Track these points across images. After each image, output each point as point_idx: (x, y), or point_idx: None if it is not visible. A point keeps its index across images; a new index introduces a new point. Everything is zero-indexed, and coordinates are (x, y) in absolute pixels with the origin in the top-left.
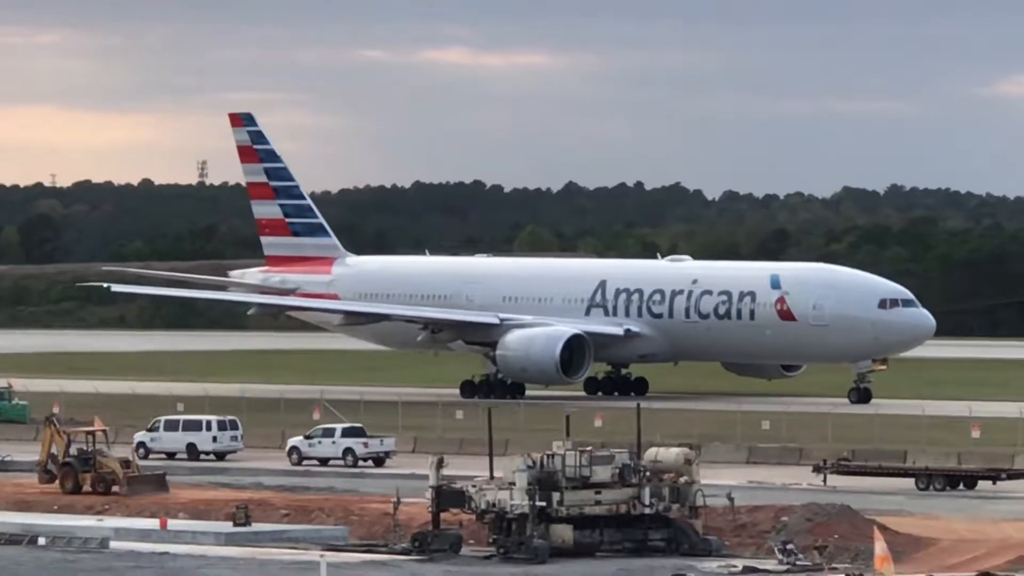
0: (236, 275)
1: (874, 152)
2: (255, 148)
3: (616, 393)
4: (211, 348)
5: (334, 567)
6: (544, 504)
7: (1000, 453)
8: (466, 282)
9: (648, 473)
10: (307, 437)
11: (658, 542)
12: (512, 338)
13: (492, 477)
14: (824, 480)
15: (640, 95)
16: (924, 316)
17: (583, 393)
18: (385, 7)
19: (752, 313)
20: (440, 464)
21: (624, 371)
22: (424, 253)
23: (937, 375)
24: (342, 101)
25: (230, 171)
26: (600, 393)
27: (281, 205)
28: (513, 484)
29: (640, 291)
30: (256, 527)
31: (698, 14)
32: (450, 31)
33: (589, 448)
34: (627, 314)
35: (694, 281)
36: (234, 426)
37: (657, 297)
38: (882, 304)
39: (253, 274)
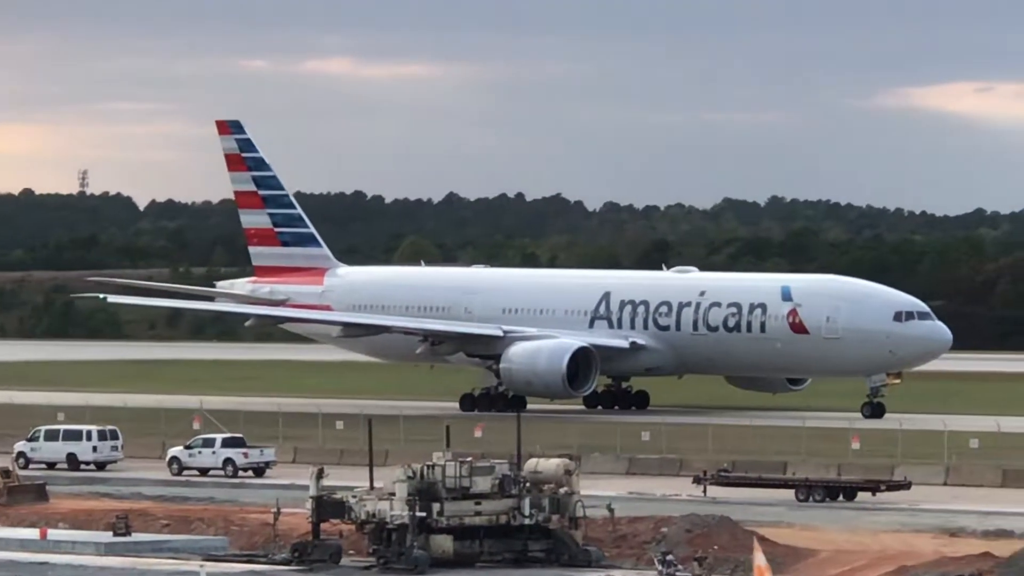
0: (223, 286)
1: (755, 164)
2: (243, 156)
3: (616, 407)
4: (92, 358)
5: None
6: (424, 515)
7: (879, 464)
8: (464, 293)
9: (528, 484)
10: (187, 447)
11: (538, 553)
12: (516, 351)
13: (372, 488)
14: (704, 491)
15: (521, 106)
16: (941, 329)
17: (583, 407)
18: (266, 18)
19: (763, 326)
20: (320, 474)
21: (625, 384)
22: (419, 263)
23: (821, 387)
24: (222, 111)
25: (111, 181)
26: (600, 407)
27: (270, 214)
28: (393, 495)
29: (646, 303)
30: (136, 537)
31: (579, 25)
32: (332, 42)
33: (469, 459)
34: (632, 326)
35: (702, 293)
36: (114, 436)
37: (664, 309)
38: (897, 317)
39: (242, 284)
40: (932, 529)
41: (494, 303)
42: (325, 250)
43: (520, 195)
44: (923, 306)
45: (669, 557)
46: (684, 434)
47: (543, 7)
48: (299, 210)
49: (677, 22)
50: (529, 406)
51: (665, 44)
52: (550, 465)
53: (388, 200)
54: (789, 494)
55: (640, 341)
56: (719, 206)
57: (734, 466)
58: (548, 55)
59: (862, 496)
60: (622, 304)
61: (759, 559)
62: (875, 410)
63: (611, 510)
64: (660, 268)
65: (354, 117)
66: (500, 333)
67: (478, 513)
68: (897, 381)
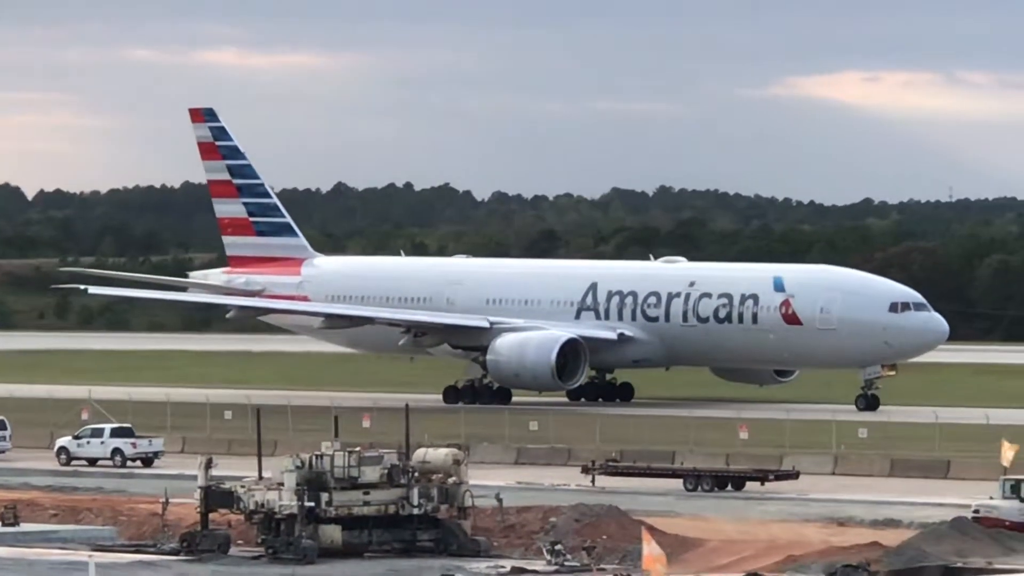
0: (197, 276)
1: (643, 153)
2: (217, 145)
3: (600, 399)
4: None
5: (103, 567)
6: (313, 504)
7: (767, 454)
8: (447, 283)
9: (417, 474)
10: (76, 437)
11: (427, 543)
12: (504, 343)
13: (261, 478)
14: (592, 481)
15: (409, 96)
16: (937, 320)
17: (566, 400)
18: (154, 7)
19: (755, 317)
20: (209, 464)
21: (609, 376)
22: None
23: (707, 377)
24: (111, 101)
25: None
26: (583, 400)
27: (245, 204)
28: (282, 485)
29: (634, 293)
30: (24, 527)
31: (467, 14)
32: (220, 31)
33: (358, 449)
34: (620, 317)
35: (692, 283)
36: (2, 426)
37: (652, 300)
38: (893, 307)
39: (216, 275)
40: (820, 519)
41: (477, 294)
42: (302, 240)
43: (409, 185)
44: (919, 297)
45: (558, 547)
46: (573, 424)
47: None
48: (275, 199)
49: (567, 10)
50: (514, 398)
51: (555, 33)
52: (439, 455)
53: (276, 190)
54: (678, 484)
55: (628, 332)
56: (607, 196)
57: (622, 455)
58: (437, 44)
59: (751, 486)
60: (609, 295)
61: (648, 548)
62: (869, 402)
63: (500, 500)
64: (648, 258)
65: (241, 107)
66: (487, 324)
67: (367, 503)
68: (892, 373)
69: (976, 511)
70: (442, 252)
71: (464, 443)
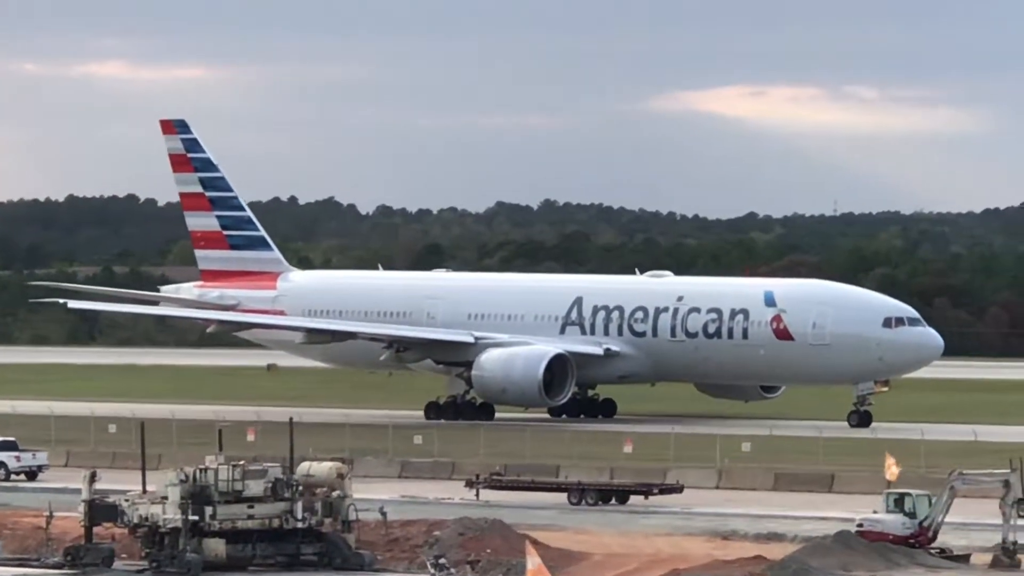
0: (169, 290)
1: (528, 167)
2: (189, 157)
3: (582, 416)
4: None
5: None
6: (197, 518)
7: (652, 468)
8: (427, 298)
9: (301, 487)
10: None
11: (311, 556)
12: (489, 358)
13: (145, 491)
14: (477, 494)
15: (295, 108)
16: (931, 336)
17: (547, 416)
18: (40, 19)
19: (745, 332)
20: (93, 478)
21: (591, 392)
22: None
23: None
24: None
25: None
26: (564, 416)
27: (218, 217)
28: (166, 498)
29: (620, 308)
30: None
31: (353, 28)
32: (107, 44)
33: (242, 462)
34: (606, 332)
35: (680, 298)
36: None
37: (639, 315)
38: (887, 323)
39: (188, 289)
40: (704, 532)
41: (459, 308)
42: (277, 253)
43: (293, 198)
44: (913, 312)
45: (442, 560)
46: (457, 437)
47: (317, 9)
48: (248, 212)
49: (451, 24)
50: (497, 415)
51: (441, 46)
52: (323, 468)
53: (161, 203)
54: (562, 497)
55: (615, 348)
56: (492, 210)
57: (506, 469)
58: (323, 58)
59: (635, 499)
60: (595, 309)
61: (532, 562)
62: (862, 419)
63: (384, 514)
64: (634, 272)
65: (128, 119)
66: (471, 339)
67: (251, 517)
68: (885, 389)
69: (860, 525)
70: (326, 266)
71: (348, 456)
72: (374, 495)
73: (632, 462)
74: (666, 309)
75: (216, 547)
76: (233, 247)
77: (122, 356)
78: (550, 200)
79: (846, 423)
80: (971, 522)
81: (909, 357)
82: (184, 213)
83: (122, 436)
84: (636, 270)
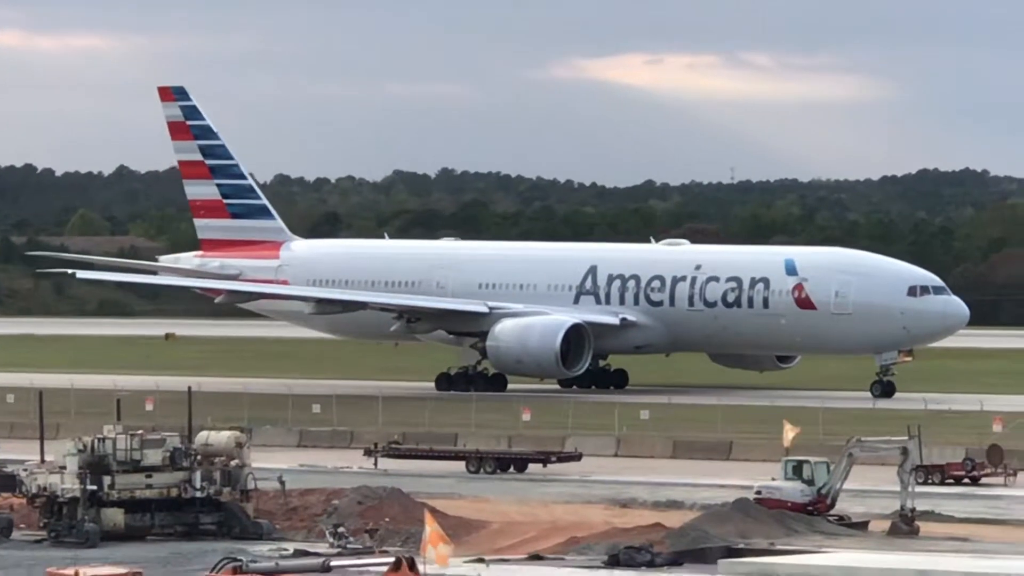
0: (167, 260)
1: (425, 136)
2: (188, 124)
3: (593, 387)
4: None
5: None
6: (95, 488)
7: (550, 436)
8: (436, 267)
9: (199, 457)
10: None
11: (209, 525)
12: (505, 328)
13: (43, 461)
14: (375, 463)
15: (195, 78)
16: (957, 304)
17: (557, 387)
18: None
19: (766, 301)
20: None
21: (603, 363)
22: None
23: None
24: None
25: None
26: (575, 387)
27: (219, 185)
28: (64, 468)
29: (636, 277)
30: None
31: None
32: (2, 13)
33: (140, 432)
34: (622, 302)
35: (698, 267)
36: None
37: (656, 284)
38: (911, 291)
39: (188, 259)
40: (603, 500)
41: (470, 278)
42: (279, 222)
43: None
44: (938, 280)
45: (340, 529)
46: (355, 406)
47: None
48: (250, 180)
49: None
50: (510, 386)
51: (339, 14)
52: (221, 438)
53: (59, 173)
54: (460, 466)
55: (631, 317)
56: (389, 178)
57: (405, 438)
58: (220, 27)
59: (533, 467)
60: (610, 278)
61: (430, 530)
62: (885, 389)
63: (282, 483)
64: (648, 240)
65: (24, 89)
66: (485, 309)
67: (149, 486)
68: (909, 359)
69: (758, 492)
70: None
71: (247, 426)
72: (273, 464)
73: (531, 430)
74: (684, 278)
75: (114, 517)
76: (234, 216)
77: (20, 326)
78: (448, 169)
79: (858, 393)
80: (869, 489)
81: (934, 326)
82: (183, 181)
83: (20, 406)
84: (651, 238)
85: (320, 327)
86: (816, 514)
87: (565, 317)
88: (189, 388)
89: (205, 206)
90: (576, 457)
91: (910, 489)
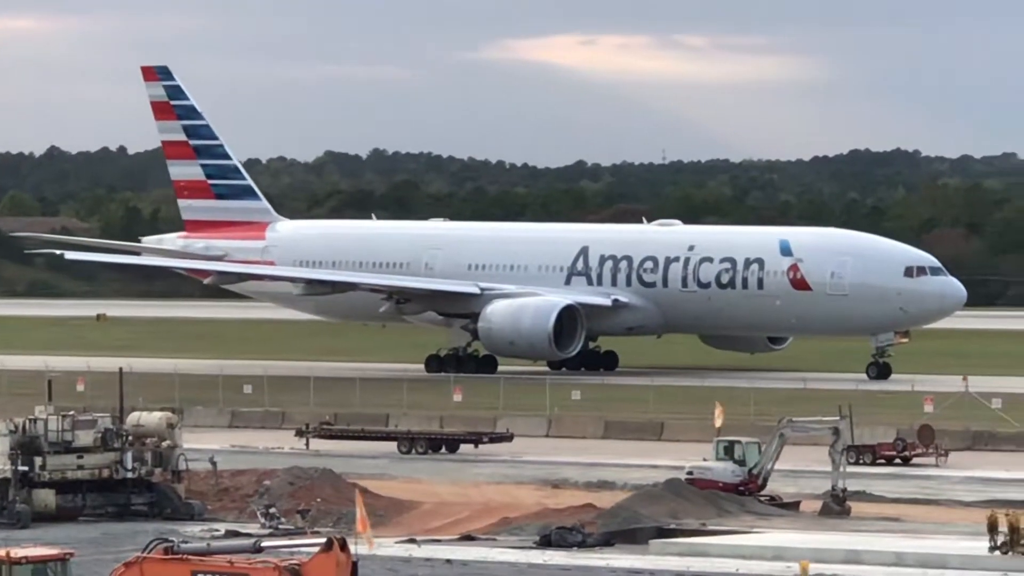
0: (151, 241)
1: (356, 116)
2: (172, 104)
3: (583, 368)
4: None
5: None
6: (26, 469)
7: (482, 417)
8: (425, 248)
9: (131, 437)
10: None
11: (141, 506)
12: (497, 309)
13: None
14: (307, 444)
15: (123, 59)
16: (954, 285)
17: (547, 369)
18: None
19: (760, 282)
20: None
21: (592, 345)
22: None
23: (416, 339)
24: None
25: None
26: (564, 369)
27: (203, 165)
28: None
29: (628, 258)
30: None
31: None
32: None
33: (71, 413)
34: (614, 283)
35: (691, 247)
36: None
37: (649, 265)
38: (908, 272)
39: (172, 240)
40: (534, 481)
41: (459, 259)
42: (264, 203)
43: (123, 148)
44: (934, 261)
45: (272, 510)
46: (287, 387)
47: None
48: (235, 161)
49: None
50: (500, 367)
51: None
52: (152, 419)
53: None
54: (392, 446)
55: (623, 299)
56: (321, 159)
57: (336, 418)
58: (151, 7)
59: (465, 448)
60: (602, 259)
61: (362, 511)
62: (881, 371)
63: (214, 463)
64: (641, 221)
65: None
66: (477, 290)
67: (80, 467)
68: (905, 340)
69: (690, 472)
70: (155, 216)
71: (178, 407)
72: (204, 445)
73: (462, 411)
74: (677, 259)
75: (46, 498)
76: (218, 196)
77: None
78: (379, 149)
79: (851, 374)
80: (800, 469)
81: (932, 307)
82: (167, 162)
83: None
84: (643, 219)
85: (307, 308)
86: (748, 494)
87: (558, 298)
88: (120, 369)
89: (189, 187)
90: (508, 438)
91: (841, 469)
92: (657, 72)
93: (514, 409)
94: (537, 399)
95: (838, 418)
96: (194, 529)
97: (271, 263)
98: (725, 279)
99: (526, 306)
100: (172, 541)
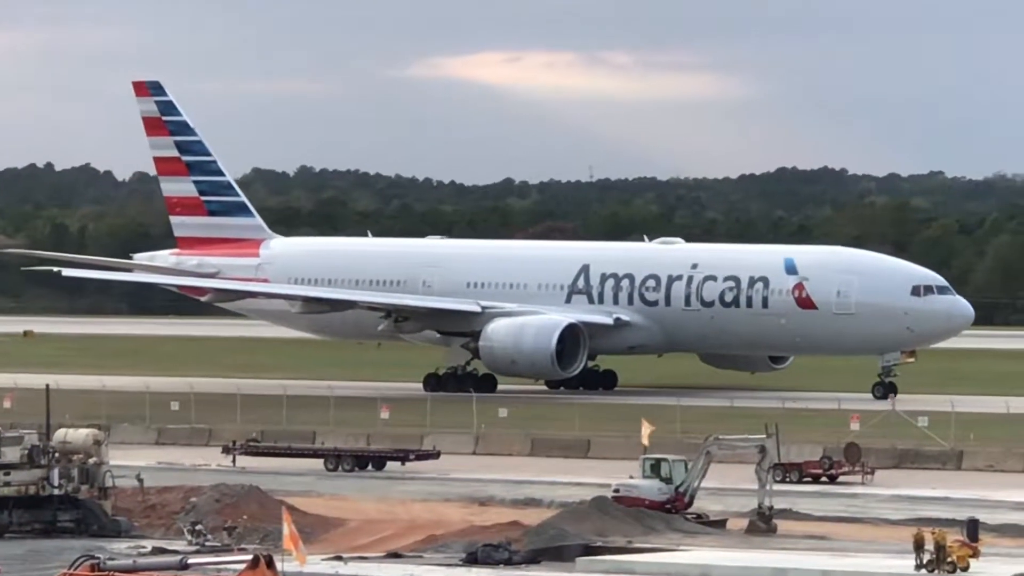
0: (142, 258)
1: (284, 133)
2: (164, 120)
3: (581, 388)
4: None
5: None
6: None
7: (409, 434)
8: (423, 266)
9: (57, 454)
10: None
11: (68, 523)
12: (498, 328)
13: None
14: (233, 461)
15: (51, 74)
16: (962, 305)
17: (544, 388)
18: None
19: (765, 301)
20: None
21: (591, 364)
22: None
23: (355, 356)
24: None
25: None
26: (562, 388)
27: (196, 182)
28: None
29: (630, 276)
30: None
31: None
32: None
33: None
34: (615, 301)
35: (694, 265)
36: None
37: (651, 283)
38: (915, 291)
39: (164, 257)
40: (461, 498)
41: (457, 277)
42: (258, 220)
43: (49, 165)
44: (941, 280)
45: (199, 527)
46: (214, 403)
47: None
48: (228, 177)
49: None
50: (500, 386)
51: (195, 12)
52: (79, 435)
53: None
54: (319, 463)
55: (625, 317)
56: (248, 176)
57: (263, 435)
58: (80, 22)
59: (392, 465)
60: (603, 277)
61: (288, 528)
62: (887, 390)
63: (140, 480)
64: (643, 239)
65: None
66: (478, 309)
67: (7, 484)
68: (911, 360)
69: (616, 490)
70: (82, 233)
71: (105, 423)
72: (131, 462)
73: (389, 428)
74: (680, 277)
75: None
76: (212, 213)
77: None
78: (307, 166)
79: (855, 393)
80: (727, 487)
81: (939, 326)
82: (159, 178)
83: None
84: (644, 237)
85: (302, 327)
86: (674, 512)
87: (560, 317)
88: (47, 386)
89: (181, 203)
90: (434, 455)
91: (768, 487)
92: (584, 90)
93: (441, 427)
94: (464, 417)
95: (764, 436)
96: (121, 546)
97: (265, 280)
98: (729, 297)
99: (528, 325)
100: (98, 558)
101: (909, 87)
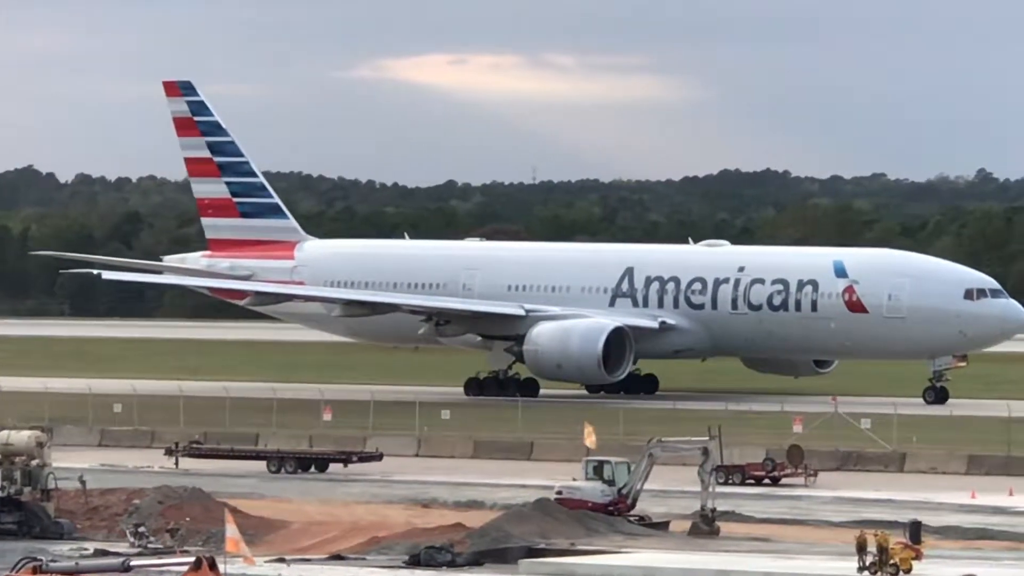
0: (173, 260)
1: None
2: (196, 120)
3: (622, 392)
4: None
5: None
6: None
7: (351, 436)
8: (463, 268)
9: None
10: None
11: (9, 525)
12: (543, 331)
13: None
14: (176, 463)
15: None
16: (1016, 308)
17: (585, 392)
18: None
19: (814, 304)
20: None
21: (633, 368)
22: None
23: (293, 359)
24: None
25: None
26: (603, 392)
27: (228, 183)
28: None
29: (676, 279)
30: None
31: None
32: None
33: None
34: (660, 305)
35: (741, 268)
36: None
37: (697, 286)
38: (968, 294)
39: (195, 259)
40: (404, 500)
41: (499, 279)
42: (292, 221)
43: None
44: (994, 283)
45: (141, 529)
46: (156, 405)
47: None
48: (261, 178)
49: None
50: (541, 391)
51: (140, 16)
52: (21, 437)
53: None
54: (261, 466)
55: (670, 321)
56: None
57: (206, 437)
58: (22, 26)
59: (334, 467)
60: (648, 280)
61: (231, 530)
62: (939, 395)
63: (83, 482)
64: (687, 241)
65: None
66: (522, 312)
67: None
68: (963, 364)
69: (559, 492)
70: (25, 235)
71: (47, 425)
72: (73, 464)
73: (332, 430)
74: (727, 280)
75: None
76: (244, 215)
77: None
78: None
79: (904, 398)
80: (670, 489)
81: (992, 330)
82: (190, 180)
83: None
84: (689, 239)
85: (339, 330)
86: (617, 514)
87: (606, 321)
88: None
89: (213, 205)
90: (377, 457)
91: (711, 489)
92: (528, 91)
93: (384, 429)
94: (407, 419)
95: (707, 438)
96: (63, 548)
97: (300, 283)
98: (777, 301)
99: (574, 328)
100: (41, 560)
101: (852, 89)
